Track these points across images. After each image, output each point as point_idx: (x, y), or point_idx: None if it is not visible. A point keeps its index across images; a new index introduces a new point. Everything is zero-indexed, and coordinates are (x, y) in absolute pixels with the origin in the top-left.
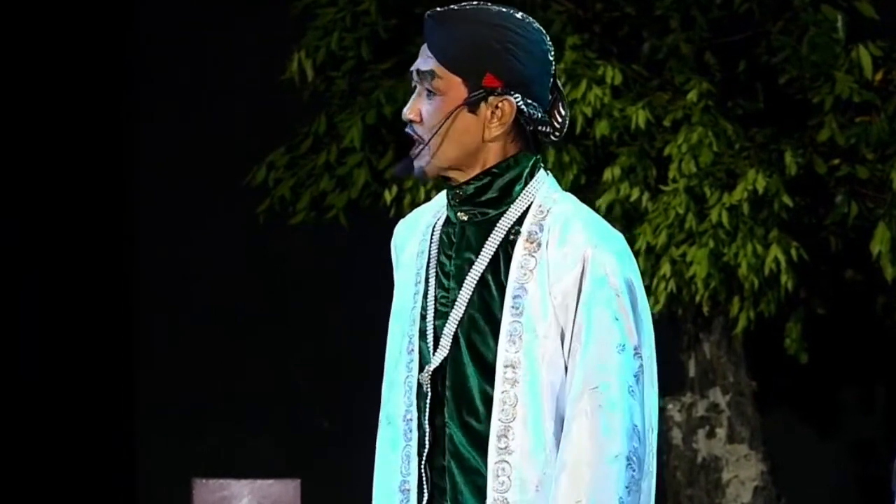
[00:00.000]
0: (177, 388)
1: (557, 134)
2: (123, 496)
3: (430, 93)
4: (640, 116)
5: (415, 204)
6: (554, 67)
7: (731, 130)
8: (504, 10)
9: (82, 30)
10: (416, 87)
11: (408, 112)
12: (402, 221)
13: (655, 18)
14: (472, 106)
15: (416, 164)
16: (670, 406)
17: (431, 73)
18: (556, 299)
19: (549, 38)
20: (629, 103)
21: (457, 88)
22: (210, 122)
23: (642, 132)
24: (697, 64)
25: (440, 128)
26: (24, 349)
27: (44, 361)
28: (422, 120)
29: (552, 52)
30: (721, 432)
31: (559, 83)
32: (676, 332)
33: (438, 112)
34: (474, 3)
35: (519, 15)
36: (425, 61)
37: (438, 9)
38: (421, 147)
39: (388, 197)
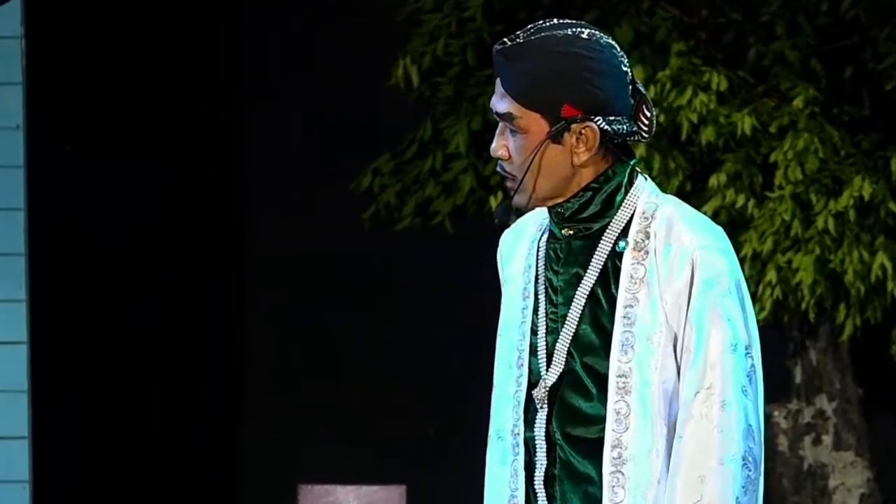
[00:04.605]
0: (283, 393)
1: (646, 135)
2: (229, 502)
3: (513, 131)
4: (745, 123)
5: (520, 212)
6: (630, 75)
7: (837, 137)
8: (570, 33)
9: (190, 33)
10: (497, 121)
11: (496, 149)
12: (507, 232)
13: (761, 24)
14: (555, 138)
15: (516, 202)
16: (776, 413)
17: (510, 115)
18: (667, 304)
19: (619, 49)
20: (735, 109)
21: (538, 124)
22: (315, 128)
23: (748, 138)
24: (803, 70)
25: (530, 165)
26: (130, 348)
27: (147, 363)
28: (510, 156)
29: (626, 62)
30: (827, 439)
31: (639, 87)
32: (782, 338)
33: (524, 150)
34: (543, 25)
35: (585, 34)
36: (501, 101)
37: (506, 42)
38: (517, 187)
39: (493, 203)
